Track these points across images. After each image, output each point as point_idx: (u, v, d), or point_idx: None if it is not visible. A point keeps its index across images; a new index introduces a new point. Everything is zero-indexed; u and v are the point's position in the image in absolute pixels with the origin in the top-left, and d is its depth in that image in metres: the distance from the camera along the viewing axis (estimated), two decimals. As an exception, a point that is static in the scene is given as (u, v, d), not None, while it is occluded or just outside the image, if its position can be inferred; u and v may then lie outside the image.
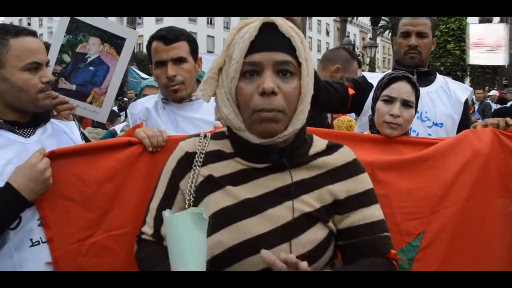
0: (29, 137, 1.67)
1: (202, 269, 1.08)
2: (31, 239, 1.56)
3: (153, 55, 2.13)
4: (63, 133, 1.79)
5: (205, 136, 1.38)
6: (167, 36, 2.08)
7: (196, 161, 1.31)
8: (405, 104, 1.91)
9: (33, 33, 1.67)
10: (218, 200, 1.24)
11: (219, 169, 1.29)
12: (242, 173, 1.27)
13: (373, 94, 2.06)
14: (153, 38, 2.14)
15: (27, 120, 1.69)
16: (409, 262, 1.74)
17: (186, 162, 1.32)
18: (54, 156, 1.58)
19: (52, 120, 1.82)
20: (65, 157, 1.62)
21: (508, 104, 11.71)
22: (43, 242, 1.57)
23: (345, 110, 2.55)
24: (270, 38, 1.19)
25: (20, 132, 1.66)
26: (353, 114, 3.38)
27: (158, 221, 1.31)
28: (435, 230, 1.76)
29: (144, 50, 2.28)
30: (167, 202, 1.32)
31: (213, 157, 1.31)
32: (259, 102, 1.17)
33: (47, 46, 1.80)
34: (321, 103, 2.33)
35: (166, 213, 1.11)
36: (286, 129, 1.21)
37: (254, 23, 1.19)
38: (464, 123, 2.45)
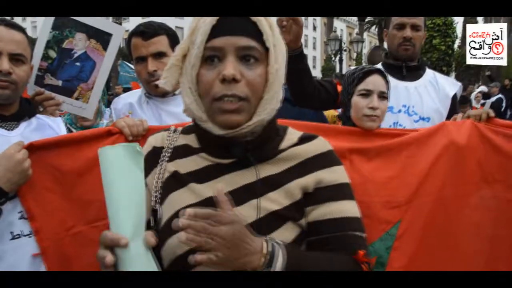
0: (12, 130, 1.68)
1: (139, 214, 1.01)
2: (11, 232, 1.54)
3: (133, 51, 2.14)
4: (48, 128, 1.79)
5: (175, 130, 1.32)
6: (145, 31, 2.08)
7: (163, 156, 1.26)
8: (381, 96, 1.98)
9: (10, 24, 1.65)
10: (181, 198, 1.17)
11: (185, 165, 1.22)
12: (207, 170, 1.20)
13: (344, 91, 2.07)
14: (132, 34, 2.14)
15: (11, 113, 1.70)
16: (387, 250, 1.77)
17: (153, 158, 1.27)
18: (34, 148, 1.56)
19: (38, 115, 1.82)
20: (45, 148, 1.60)
21: (494, 99, 11.87)
22: (24, 235, 1.56)
23: (335, 106, 2.57)
24: (233, 22, 1.11)
25: (3, 125, 1.67)
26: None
27: None
28: (410, 218, 1.79)
29: (131, 45, 2.28)
30: None
31: (181, 152, 1.25)
32: (219, 89, 1.10)
33: (31, 41, 1.79)
34: (312, 102, 2.36)
35: (100, 148, 1.03)
36: (251, 119, 1.14)
37: None
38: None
